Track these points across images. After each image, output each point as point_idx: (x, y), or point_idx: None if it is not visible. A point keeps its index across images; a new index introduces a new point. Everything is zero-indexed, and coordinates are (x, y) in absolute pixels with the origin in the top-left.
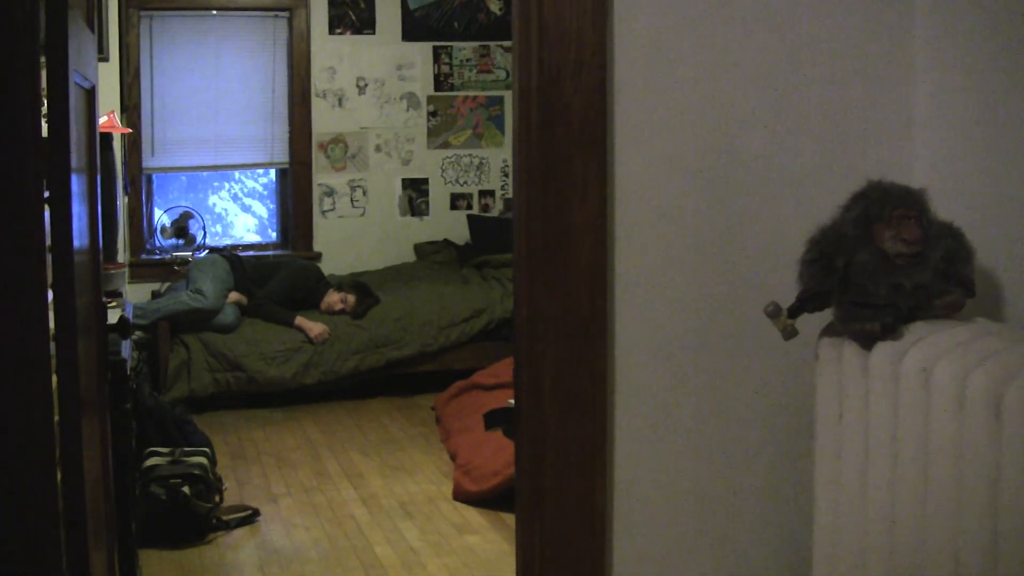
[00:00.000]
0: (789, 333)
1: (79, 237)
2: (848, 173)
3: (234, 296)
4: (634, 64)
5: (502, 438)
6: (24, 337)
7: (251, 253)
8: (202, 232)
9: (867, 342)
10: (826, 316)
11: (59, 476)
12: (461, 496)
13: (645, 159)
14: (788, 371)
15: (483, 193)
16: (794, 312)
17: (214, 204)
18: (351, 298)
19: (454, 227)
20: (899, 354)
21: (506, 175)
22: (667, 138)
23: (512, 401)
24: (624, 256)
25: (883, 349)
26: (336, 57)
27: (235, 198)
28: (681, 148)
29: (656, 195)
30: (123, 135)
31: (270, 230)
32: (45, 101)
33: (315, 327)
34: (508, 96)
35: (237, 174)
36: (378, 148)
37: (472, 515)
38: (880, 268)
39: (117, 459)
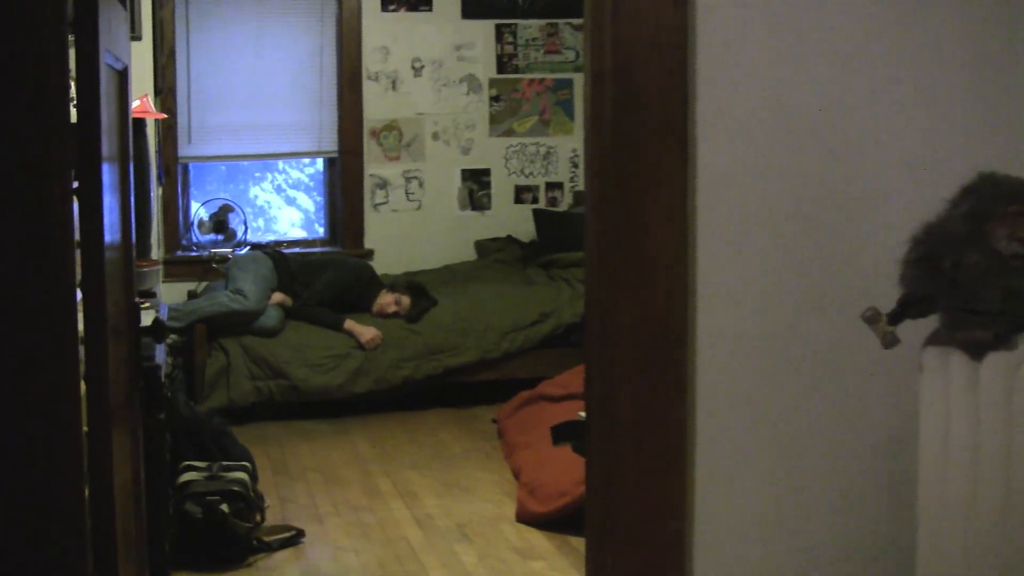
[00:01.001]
0: (889, 341)
1: (110, 232)
2: (956, 165)
3: (277, 297)
4: (718, 43)
5: (571, 454)
6: (50, 341)
7: (296, 250)
8: (243, 227)
9: (977, 352)
10: (931, 323)
11: (87, 491)
12: (525, 517)
13: (730, 149)
14: (888, 384)
15: (550, 185)
16: (895, 318)
17: (256, 196)
18: (405, 300)
19: (518, 222)
20: (1013, 366)
21: (576, 165)
22: (754, 126)
23: (582, 414)
24: (706, 255)
25: (995, 360)
26: (389, 36)
27: (279, 190)
28: (770, 137)
29: (741, 188)
30: (157, 121)
31: (317, 225)
32: (73, 84)
33: (366, 331)
34: (578, 79)
35: (281, 164)
36: (435, 136)
37: (537, 539)
38: (993, 270)
39: (149, 473)
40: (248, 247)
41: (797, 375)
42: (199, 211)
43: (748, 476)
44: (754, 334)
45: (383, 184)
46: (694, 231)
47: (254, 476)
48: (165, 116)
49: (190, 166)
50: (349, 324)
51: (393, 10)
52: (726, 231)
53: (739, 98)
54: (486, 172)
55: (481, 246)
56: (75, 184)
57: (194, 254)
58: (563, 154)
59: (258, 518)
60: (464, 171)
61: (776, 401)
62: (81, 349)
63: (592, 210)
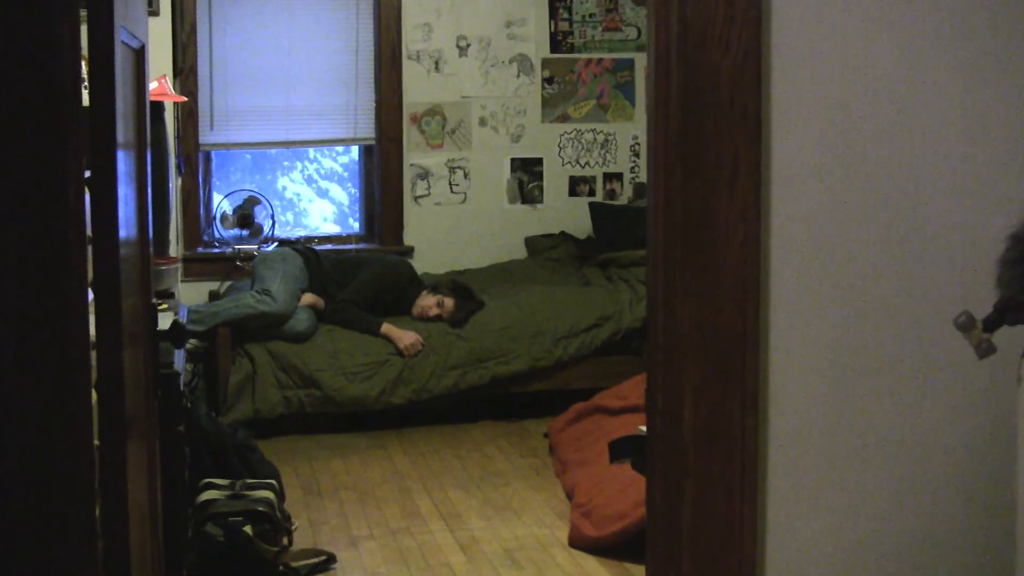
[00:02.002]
0: (985, 350)
1: (125, 226)
2: None
3: (308, 298)
4: (796, 21)
5: (630, 473)
6: (60, 345)
7: (329, 247)
8: (270, 221)
9: None
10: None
11: (99, 510)
12: (579, 542)
13: (808, 139)
14: (982, 396)
15: (609, 176)
16: (991, 324)
17: (285, 188)
18: (449, 302)
19: (573, 217)
20: None
21: (637, 155)
22: (835, 114)
23: (643, 428)
24: (781, 255)
25: None
26: (432, 12)
27: (310, 181)
28: (852, 127)
29: (821, 182)
30: (177, 104)
31: (352, 220)
32: (85, 64)
33: (406, 336)
34: (640, 59)
35: (312, 152)
36: (482, 121)
37: (592, 565)
38: None
39: (167, 492)
40: (276, 243)
41: (876, 385)
42: (222, 204)
43: (826, 495)
44: (831, 341)
45: (425, 175)
46: (768, 229)
47: (281, 495)
48: (185, 99)
49: (212, 154)
50: (387, 328)
51: None
52: (802, 230)
53: (821, 83)
54: (538, 161)
55: (532, 243)
56: (87, 173)
57: (217, 251)
58: (623, 142)
59: (285, 541)
60: (514, 160)
61: (854, 413)
62: (93, 355)
63: (655, 204)
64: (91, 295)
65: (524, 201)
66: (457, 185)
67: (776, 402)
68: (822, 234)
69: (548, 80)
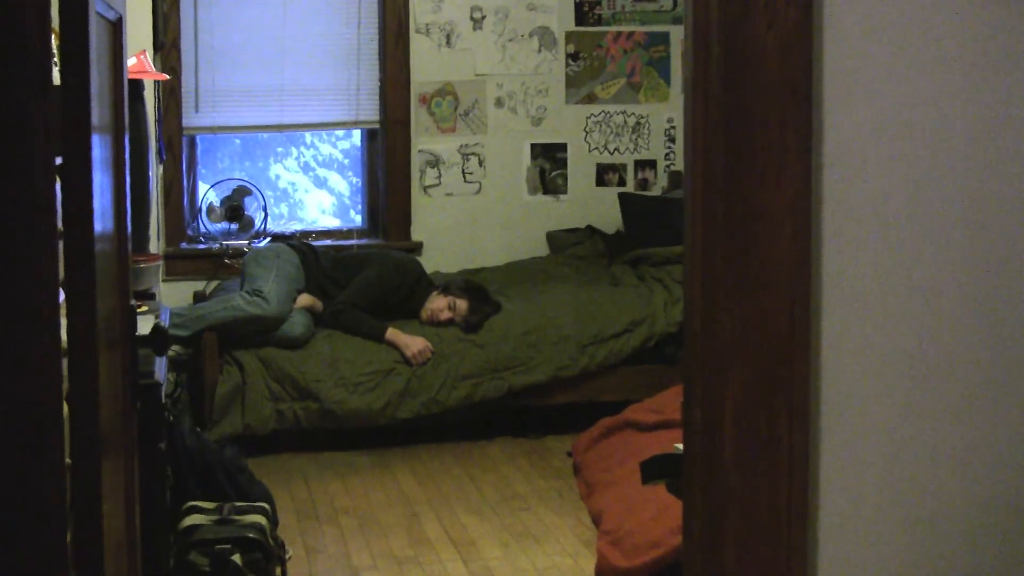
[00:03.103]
0: None
1: (101, 219)
2: None
3: (305, 300)
4: None
5: (665, 495)
6: (26, 352)
7: (328, 243)
8: (262, 214)
9: None
10: None
11: (70, 537)
12: (608, 573)
13: (866, 121)
14: None
15: (641, 164)
16: None
17: (278, 177)
18: (462, 304)
19: (601, 209)
20: None
21: (673, 140)
22: (897, 92)
23: (679, 446)
24: (834, 251)
25: None
26: None
27: (307, 169)
28: (916, 106)
29: (880, 169)
30: (158, 83)
31: (353, 212)
32: (56, 37)
33: (413, 342)
34: (676, 32)
35: (309, 137)
36: (499, 102)
37: None
38: None
39: (146, 516)
40: (269, 239)
41: (945, 400)
42: (208, 194)
43: (885, 525)
44: (892, 349)
45: (435, 162)
46: (820, 223)
47: (274, 520)
48: (167, 77)
49: (198, 139)
50: (392, 334)
51: None
52: (859, 222)
53: (877, 57)
54: (561, 147)
55: (555, 238)
56: (58, 160)
57: (202, 247)
58: (657, 125)
59: (278, 572)
60: (534, 146)
61: (920, 432)
62: (64, 363)
63: (693, 195)
64: (62, 296)
65: (546, 192)
66: (471, 174)
67: (829, 418)
68: (882, 227)
69: (573, 56)
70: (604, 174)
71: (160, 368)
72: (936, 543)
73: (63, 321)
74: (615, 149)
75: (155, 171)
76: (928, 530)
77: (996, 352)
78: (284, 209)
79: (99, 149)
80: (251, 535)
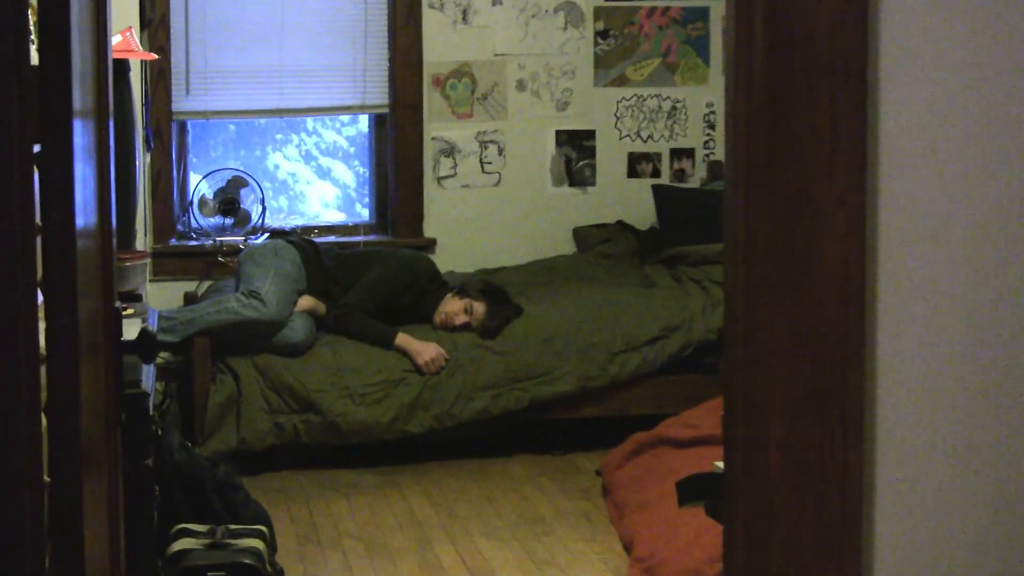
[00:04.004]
0: None
1: (83, 213)
2: None
3: (306, 302)
4: None
5: (703, 519)
6: (1, 359)
7: (332, 239)
8: (259, 207)
9: None
10: None
11: (48, 561)
12: None
13: (926, 104)
14: None
15: (677, 153)
16: None
17: (277, 167)
18: (479, 307)
19: (633, 203)
20: None
21: (712, 126)
22: (962, 71)
23: (720, 464)
24: (892, 248)
25: None
26: None
27: (308, 158)
28: (981, 90)
29: (943, 156)
30: (145, 63)
31: (359, 206)
32: (34, 12)
33: (426, 349)
34: (717, 8)
35: (311, 123)
36: (521, 85)
37: None
38: None
39: (132, 539)
40: (266, 235)
41: (1014, 413)
42: (201, 186)
43: (946, 552)
44: (955, 356)
45: (450, 150)
46: (875, 217)
47: (271, 544)
48: (155, 57)
49: (189, 125)
50: (403, 339)
51: None
52: (919, 218)
53: (939, 36)
54: (589, 134)
55: (582, 235)
56: (36, 148)
57: (194, 244)
58: (694, 110)
59: None
60: (560, 133)
61: (986, 449)
62: (42, 371)
63: (735, 187)
64: (40, 297)
65: (572, 183)
66: (489, 163)
67: (887, 432)
68: (945, 221)
69: (602, 34)
70: (636, 164)
71: (147, 377)
72: (1007, 570)
73: (41, 325)
74: (648, 136)
75: (142, 160)
76: (998, 555)
77: None
78: (283, 202)
79: (81, 136)
80: (247, 561)
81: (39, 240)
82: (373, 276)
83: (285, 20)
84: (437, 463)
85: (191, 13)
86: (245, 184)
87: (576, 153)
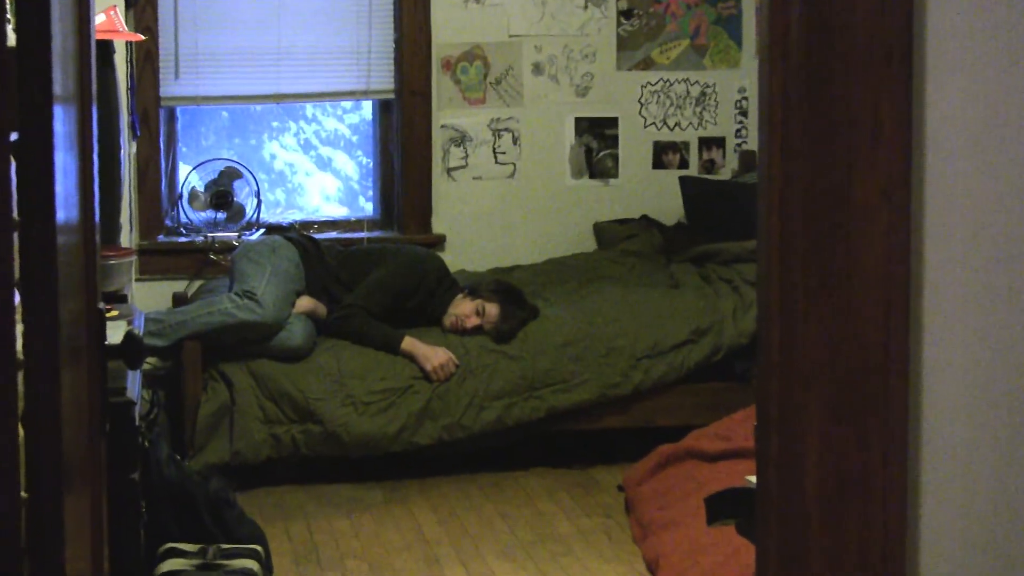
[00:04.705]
0: None
1: (64, 206)
2: None
3: (305, 303)
4: None
5: (735, 539)
6: None
7: (333, 235)
8: (254, 201)
9: None
10: None
11: None
12: None
13: (975, 92)
14: None
15: (706, 142)
16: None
17: (274, 157)
18: (492, 309)
19: (658, 196)
20: None
21: (744, 113)
22: (1014, 57)
23: (752, 479)
24: (938, 247)
25: None
26: None
27: (307, 148)
28: None
29: (993, 149)
30: (131, 45)
31: (363, 199)
32: None
33: (434, 354)
34: None
35: (311, 110)
36: (538, 68)
37: None
38: None
39: (117, 560)
40: (262, 231)
41: None
42: (191, 178)
43: (998, 570)
44: (1006, 364)
45: (460, 139)
46: (920, 214)
47: (267, 566)
48: (142, 38)
49: (178, 111)
50: (410, 344)
51: None
52: (967, 215)
53: (989, 17)
54: (612, 122)
55: (604, 231)
56: (14, 136)
57: (184, 240)
58: (725, 96)
59: None
60: (580, 121)
61: None
62: (20, 377)
63: (770, 180)
64: (18, 297)
65: (593, 175)
66: (504, 153)
67: (931, 447)
68: (995, 219)
69: (626, 13)
70: (662, 154)
71: (133, 384)
72: None
73: (18, 327)
74: (676, 124)
75: (127, 150)
76: None
77: None
78: (280, 195)
79: (62, 123)
80: None
81: (16, 236)
82: (378, 275)
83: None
84: (446, 477)
85: None
86: (239, 176)
87: (597, 142)
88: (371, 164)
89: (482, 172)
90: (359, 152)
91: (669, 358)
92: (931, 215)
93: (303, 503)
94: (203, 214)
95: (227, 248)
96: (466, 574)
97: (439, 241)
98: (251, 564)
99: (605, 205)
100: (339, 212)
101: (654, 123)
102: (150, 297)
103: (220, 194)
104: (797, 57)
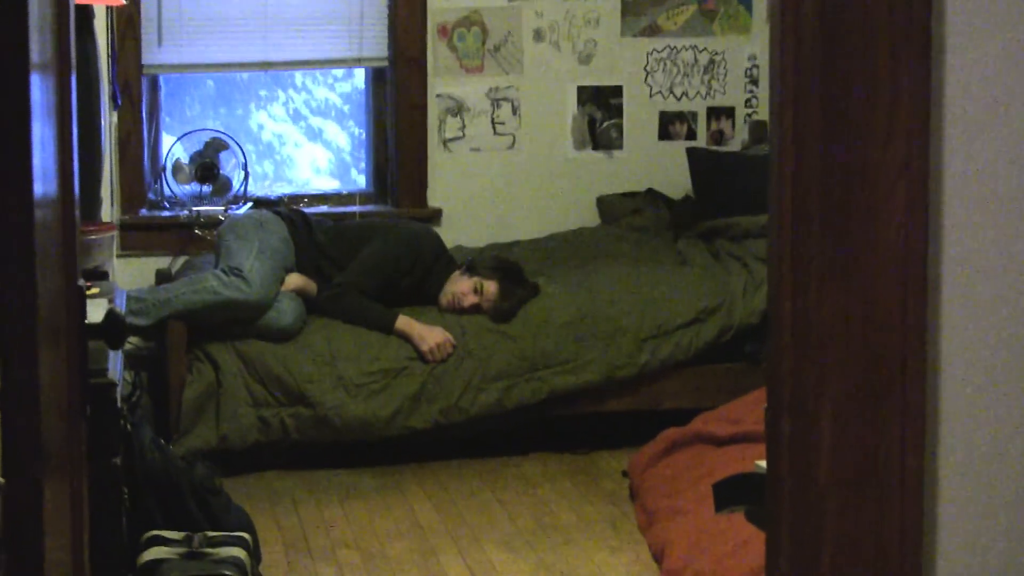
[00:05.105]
0: None
1: (42, 180)
2: None
3: (295, 281)
4: None
5: (744, 526)
6: None
7: (324, 210)
8: (241, 173)
9: None
10: None
11: (2, 572)
12: None
13: (999, 62)
14: None
15: (715, 112)
16: None
17: (261, 127)
18: (491, 287)
19: (665, 169)
20: None
21: (755, 82)
22: None
23: (762, 464)
24: (958, 223)
25: None
26: None
27: (297, 118)
28: None
29: (1018, 122)
30: (111, 10)
31: (355, 172)
32: None
33: (430, 334)
34: None
35: (301, 78)
36: (538, 35)
37: None
38: None
39: (97, 548)
40: (250, 204)
41: None
42: (175, 149)
43: (1021, 563)
44: None
45: (457, 109)
46: (940, 188)
47: (256, 555)
48: (124, 3)
49: (161, 80)
50: (404, 323)
51: None
52: (990, 189)
53: None
54: (616, 91)
55: (608, 205)
56: None
57: (167, 215)
58: (735, 64)
59: None
60: (582, 89)
61: None
62: None
63: (781, 152)
64: None
65: (596, 147)
66: (503, 124)
67: (950, 432)
68: (1017, 194)
69: None
70: (669, 125)
71: (115, 365)
72: None
73: None
74: (683, 94)
75: (108, 120)
76: None
77: None
78: (269, 168)
79: (39, 92)
80: (227, 573)
81: None
82: (371, 252)
83: None
84: (443, 463)
85: None
86: (225, 147)
87: (601, 112)
88: (363, 135)
89: (480, 143)
90: (351, 122)
91: (676, 338)
92: (951, 191)
93: (292, 490)
94: (187, 187)
95: (212, 223)
96: (463, 564)
97: (435, 216)
98: (238, 553)
99: (609, 178)
100: (330, 185)
101: (660, 92)
102: (132, 274)
103: (205, 166)
104: (811, 23)
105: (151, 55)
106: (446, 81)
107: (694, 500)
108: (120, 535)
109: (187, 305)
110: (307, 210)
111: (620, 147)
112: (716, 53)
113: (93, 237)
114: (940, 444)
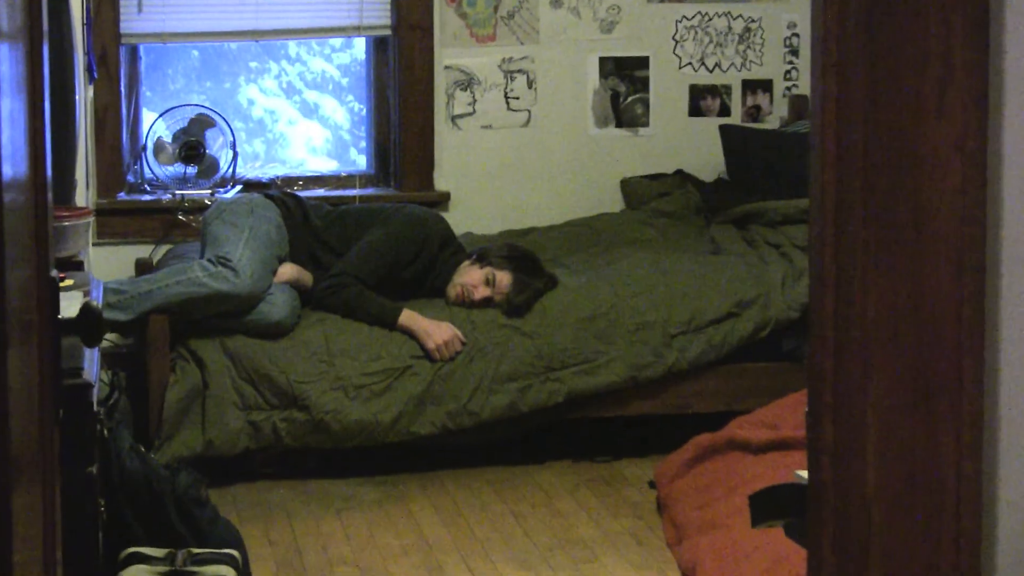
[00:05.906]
0: None
1: (11, 160)
2: None
3: (289, 271)
4: None
5: (783, 542)
6: None
7: (320, 193)
8: (229, 153)
9: None
10: None
11: None
12: None
13: None
14: None
15: (751, 85)
16: None
17: (252, 103)
18: (504, 278)
19: (696, 148)
20: None
21: (795, 52)
22: None
23: (803, 474)
24: (1018, 207)
25: None
26: None
27: (291, 92)
28: None
29: None
30: None
31: (355, 152)
32: None
33: (438, 330)
34: None
35: (294, 48)
36: (556, 1)
37: None
38: None
39: (73, 567)
40: (239, 188)
41: None
42: (157, 127)
43: None
44: None
45: (467, 83)
46: (999, 166)
47: (245, 573)
48: None
49: (142, 50)
50: (409, 317)
51: None
52: None
53: None
54: (641, 62)
55: (632, 188)
56: None
57: (148, 198)
58: (773, 32)
59: None
60: (605, 61)
61: None
62: None
63: (824, 129)
64: None
65: (620, 123)
66: (517, 99)
67: (1011, 436)
68: None
69: None
70: (700, 99)
71: (91, 364)
72: None
73: None
74: (715, 65)
75: (83, 94)
76: None
77: None
78: (259, 147)
79: (8, 64)
80: None
81: None
82: (372, 239)
83: None
84: (451, 472)
85: None
86: (212, 124)
87: (625, 86)
88: (364, 111)
89: (492, 120)
90: (350, 97)
91: (708, 334)
92: (1011, 170)
93: (286, 501)
94: (170, 168)
95: (198, 207)
96: None
97: (442, 200)
98: (226, 571)
99: (634, 158)
100: (327, 166)
101: (691, 63)
102: (110, 264)
103: (190, 145)
104: None
105: (130, 23)
106: (455, 51)
107: (727, 513)
108: (96, 551)
109: (170, 298)
110: (302, 194)
111: (646, 124)
112: (752, 20)
113: (67, 223)
114: (999, 450)
